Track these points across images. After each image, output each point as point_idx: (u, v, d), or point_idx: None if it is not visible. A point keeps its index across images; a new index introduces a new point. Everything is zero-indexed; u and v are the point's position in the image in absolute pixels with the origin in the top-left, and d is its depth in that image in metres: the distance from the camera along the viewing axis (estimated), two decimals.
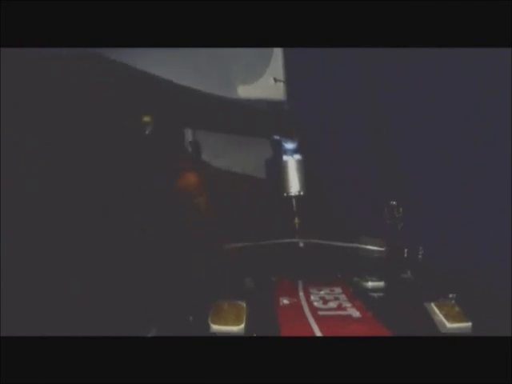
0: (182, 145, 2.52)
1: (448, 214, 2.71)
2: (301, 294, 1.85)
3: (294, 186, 2.45)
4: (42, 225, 1.49)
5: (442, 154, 2.79)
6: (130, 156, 1.89)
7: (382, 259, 2.23)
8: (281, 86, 2.47)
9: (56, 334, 1.20)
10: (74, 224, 1.58)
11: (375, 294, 1.93)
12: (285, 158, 2.46)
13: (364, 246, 2.28)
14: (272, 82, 2.43)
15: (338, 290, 1.90)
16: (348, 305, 1.74)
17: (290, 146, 2.45)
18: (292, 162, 2.46)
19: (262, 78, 2.40)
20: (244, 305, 1.61)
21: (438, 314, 1.63)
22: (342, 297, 1.82)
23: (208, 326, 1.49)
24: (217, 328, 1.48)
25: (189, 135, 2.55)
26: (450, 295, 1.77)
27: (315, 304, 1.74)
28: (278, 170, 2.49)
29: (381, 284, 2.00)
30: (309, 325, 1.54)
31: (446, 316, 1.61)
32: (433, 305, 1.69)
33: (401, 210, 2.33)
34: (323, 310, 1.68)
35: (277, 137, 2.46)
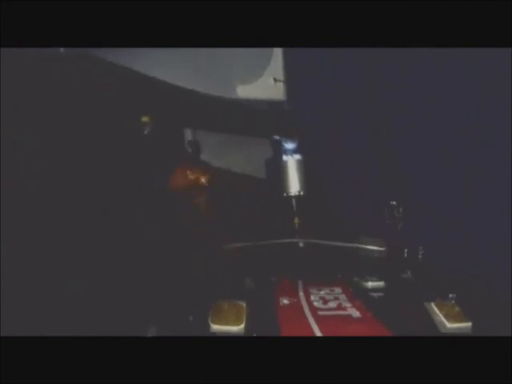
0: (181, 145, 2.52)
1: (448, 214, 2.71)
2: (301, 293, 1.85)
3: (294, 186, 2.45)
4: (42, 225, 1.49)
5: (442, 154, 2.79)
6: (130, 156, 1.89)
7: (382, 259, 2.23)
8: (281, 86, 2.46)
9: (56, 333, 1.20)
10: (73, 224, 1.58)
11: (375, 294, 1.93)
12: (285, 158, 2.46)
13: (364, 246, 2.28)
14: (272, 81, 2.43)
15: (338, 289, 1.90)
16: (348, 305, 1.73)
17: (289, 145, 2.45)
18: (292, 162, 2.45)
19: (262, 78, 2.39)
20: (244, 305, 1.61)
21: (438, 314, 1.63)
22: (342, 297, 1.82)
23: (208, 326, 1.49)
24: (217, 328, 1.48)
25: (189, 135, 2.55)
26: (450, 295, 1.77)
27: (315, 304, 1.74)
28: (278, 170, 2.49)
29: (381, 284, 2.00)
30: (309, 325, 1.53)
31: (446, 316, 1.61)
32: (433, 305, 1.69)
33: (401, 210, 2.33)
34: (323, 310, 1.68)
35: (277, 137, 2.46)
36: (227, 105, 2.13)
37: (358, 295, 1.84)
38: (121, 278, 1.62)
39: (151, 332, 1.43)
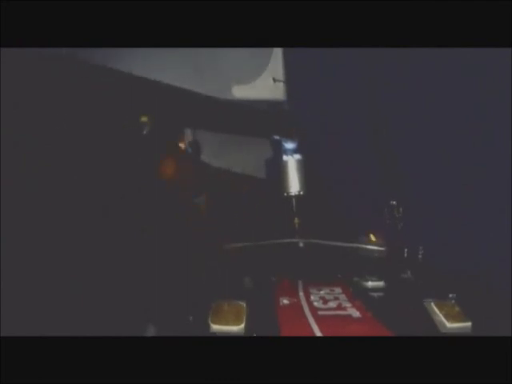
0: (181, 145, 2.52)
1: (448, 214, 2.71)
2: (301, 293, 1.85)
3: (294, 185, 2.45)
4: (42, 225, 1.49)
5: (442, 154, 2.79)
6: (130, 156, 1.89)
7: (382, 259, 2.23)
8: (281, 85, 2.47)
9: (56, 333, 1.20)
10: (73, 224, 1.58)
11: (375, 294, 1.93)
12: (285, 157, 2.46)
13: (364, 246, 2.28)
14: (272, 81, 2.43)
15: (337, 289, 1.90)
16: (348, 305, 1.73)
17: (289, 145, 2.45)
18: (292, 162, 2.46)
19: (262, 77, 2.40)
20: (244, 305, 1.61)
21: (438, 314, 1.63)
22: (342, 297, 1.82)
23: (208, 326, 1.49)
24: (217, 328, 1.48)
25: (189, 135, 2.55)
26: (450, 295, 1.77)
27: (315, 304, 1.74)
28: (278, 170, 2.49)
29: (381, 284, 2.00)
30: (309, 325, 1.53)
31: (446, 316, 1.61)
32: (433, 305, 1.69)
33: (401, 210, 2.33)
34: (323, 310, 1.68)
35: (277, 137, 2.46)
36: (227, 105, 2.13)
37: (358, 295, 1.84)
38: (121, 278, 1.62)
39: (151, 332, 1.43)
